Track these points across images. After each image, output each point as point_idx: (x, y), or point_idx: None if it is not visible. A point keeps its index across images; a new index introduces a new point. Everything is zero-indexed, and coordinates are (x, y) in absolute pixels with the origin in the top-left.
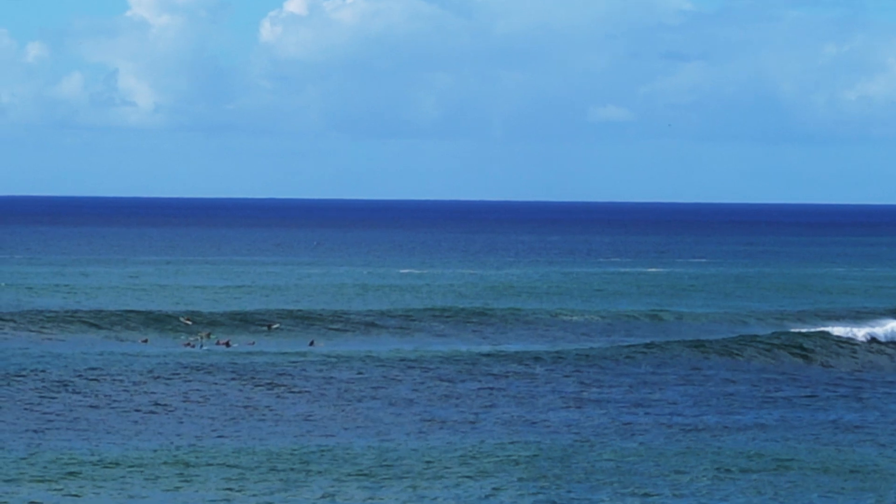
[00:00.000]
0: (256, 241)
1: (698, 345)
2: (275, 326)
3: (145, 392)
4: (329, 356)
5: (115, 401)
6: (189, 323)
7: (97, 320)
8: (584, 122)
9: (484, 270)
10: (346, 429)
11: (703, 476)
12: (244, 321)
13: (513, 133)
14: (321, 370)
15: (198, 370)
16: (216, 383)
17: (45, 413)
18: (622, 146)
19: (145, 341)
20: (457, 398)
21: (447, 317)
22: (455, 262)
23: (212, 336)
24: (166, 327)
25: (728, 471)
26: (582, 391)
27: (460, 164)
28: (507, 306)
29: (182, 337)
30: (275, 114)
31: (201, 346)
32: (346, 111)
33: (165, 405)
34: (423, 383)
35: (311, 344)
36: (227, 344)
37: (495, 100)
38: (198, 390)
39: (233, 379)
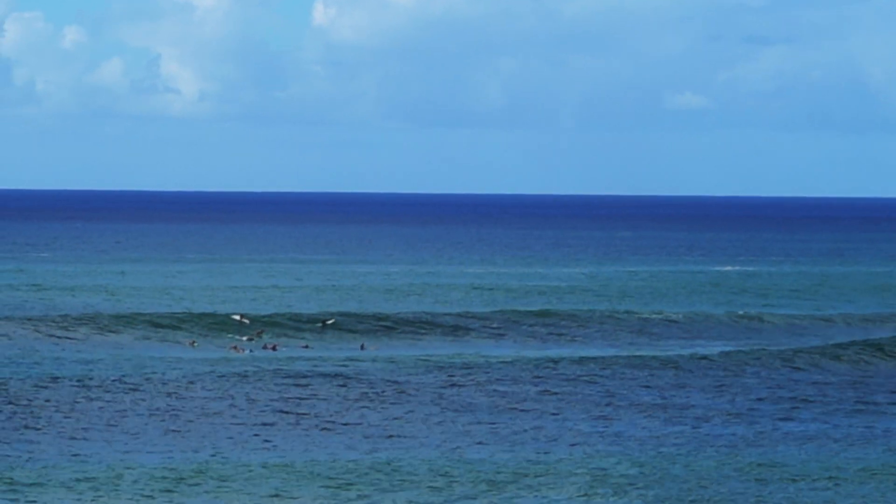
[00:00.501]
0: (306, 238)
1: (781, 352)
2: (329, 322)
3: (192, 397)
4: (385, 360)
5: (160, 408)
6: (245, 322)
7: (141, 323)
8: (658, 111)
9: (549, 269)
10: (407, 437)
11: (821, 487)
12: (296, 321)
13: (582, 122)
14: (377, 375)
15: (246, 377)
16: (268, 389)
17: (85, 418)
18: (699, 136)
19: (193, 343)
20: (523, 405)
21: (508, 318)
22: (518, 261)
23: (263, 335)
24: (215, 329)
25: (845, 481)
26: (660, 399)
27: (526, 155)
28: (572, 307)
29: (230, 338)
30: (328, 102)
31: (250, 350)
32: (404, 99)
33: (218, 413)
34: (486, 389)
35: (363, 348)
36: (274, 348)
37: (564, 86)
38: (250, 397)
39: (292, 384)
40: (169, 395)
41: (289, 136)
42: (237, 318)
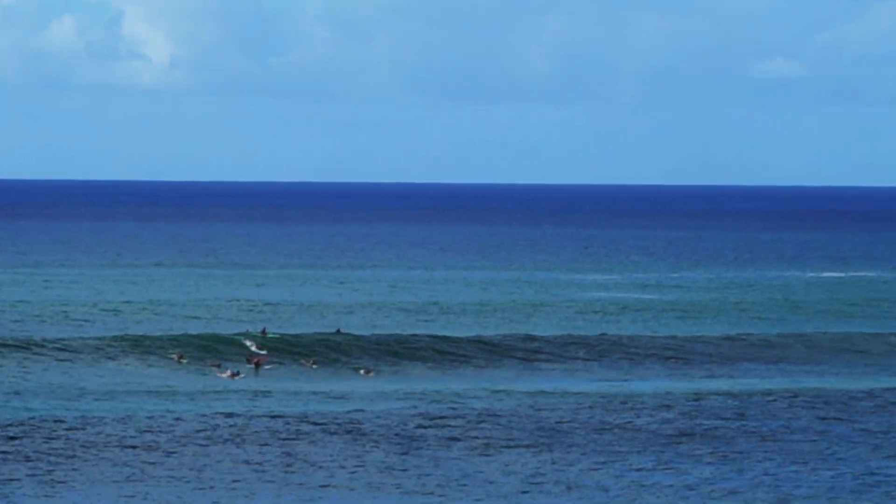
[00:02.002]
0: (305, 240)
1: None
2: (369, 373)
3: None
4: (490, 391)
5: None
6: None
7: (90, 346)
8: (741, 81)
9: (627, 277)
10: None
11: None
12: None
13: (647, 96)
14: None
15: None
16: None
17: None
18: (792, 111)
19: (181, 358)
20: (673, 450)
21: (607, 346)
22: (603, 267)
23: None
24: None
25: None
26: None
27: (578, 136)
28: (692, 333)
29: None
30: (334, 71)
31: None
32: (428, 68)
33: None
34: (616, 429)
35: (366, 373)
36: (258, 364)
37: (625, 52)
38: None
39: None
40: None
41: (284, 113)
42: (251, 344)
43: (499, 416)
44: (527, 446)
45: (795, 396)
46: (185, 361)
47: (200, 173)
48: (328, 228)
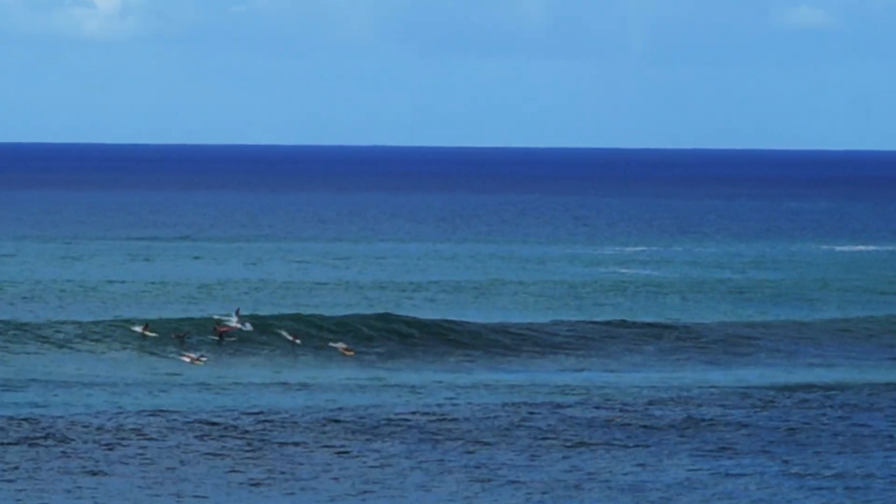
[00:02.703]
0: (273, 210)
1: None
2: (347, 352)
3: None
4: (488, 386)
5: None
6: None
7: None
8: (765, 31)
9: (640, 252)
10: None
11: None
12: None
13: (658, 50)
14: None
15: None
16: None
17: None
18: (822, 65)
19: (146, 329)
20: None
21: (643, 332)
22: (627, 238)
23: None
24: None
25: None
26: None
27: (581, 94)
28: (735, 319)
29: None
30: (304, 20)
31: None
32: (411, 17)
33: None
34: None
35: (345, 351)
36: (221, 335)
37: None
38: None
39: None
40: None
41: (247, 68)
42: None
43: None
44: (624, 446)
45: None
46: (151, 334)
47: (153, 135)
48: (297, 197)
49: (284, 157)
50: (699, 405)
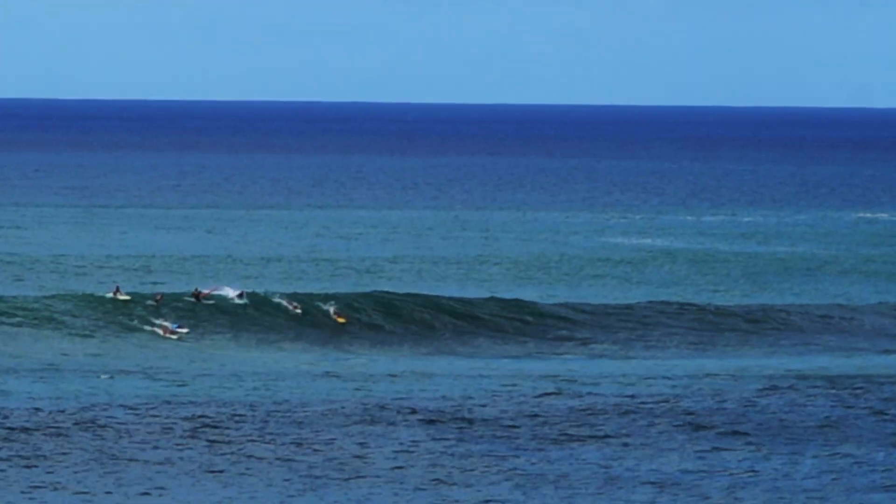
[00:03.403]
0: (245, 172)
1: None
2: (340, 318)
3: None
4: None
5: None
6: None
7: None
8: None
9: (662, 221)
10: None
11: None
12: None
13: None
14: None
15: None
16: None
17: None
18: (851, 14)
19: (159, 299)
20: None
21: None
22: (643, 205)
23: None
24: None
25: None
26: None
27: (588, 46)
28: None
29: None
30: None
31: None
32: None
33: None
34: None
35: (336, 316)
36: (158, 300)
37: None
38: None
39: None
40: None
41: (205, 17)
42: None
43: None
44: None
45: None
46: (123, 297)
47: (102, 89)
48: (275, 159)
49: (257, 114)
50: (762, 395)
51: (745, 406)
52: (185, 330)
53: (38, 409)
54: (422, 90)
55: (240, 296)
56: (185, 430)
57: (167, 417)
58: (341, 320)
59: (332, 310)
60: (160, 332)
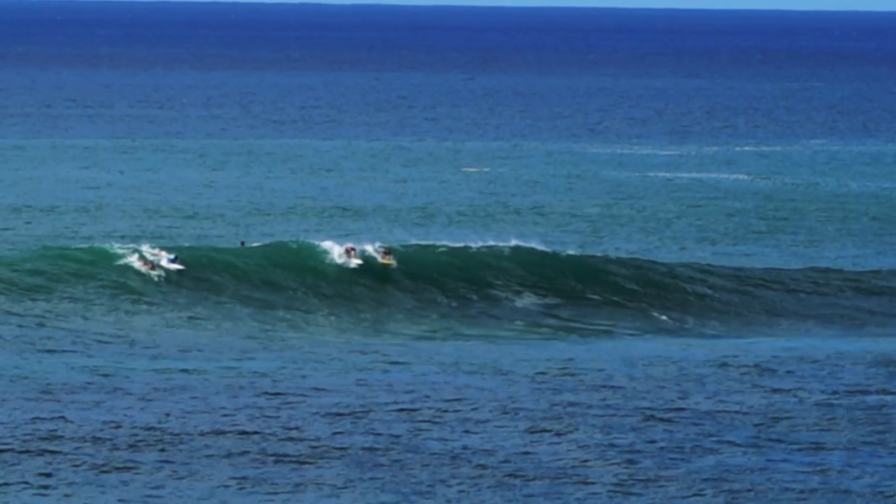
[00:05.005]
0: (231, 92)
1: None
2: (387, 258)
3: None
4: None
5: None
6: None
7: None
8: None
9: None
10: None
11: None
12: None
13: None
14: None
15: None
16: None
17: None
18: None
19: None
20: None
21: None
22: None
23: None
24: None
25: None
26: None
27: None
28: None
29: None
30: None
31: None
32: None
33: None
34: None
35: (385, 258)
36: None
37: None
38: None
39: None
40: None
41: None
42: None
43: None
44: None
45: None
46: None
47: None
48: (266, 77)
49: (254, 19)
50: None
51: None
52: (176, 266)
53: None
54: None
55: (173, 260)
56: None
57: None
58: (389, 262)
59: (379, 250)
60: (139, 265)
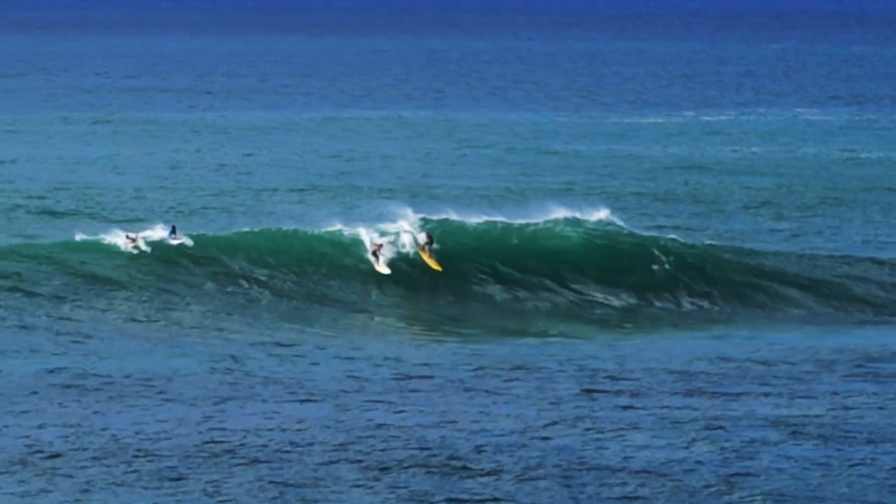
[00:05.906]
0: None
1: None
2: (431, 246)
3: None
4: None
5: None
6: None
7: None
8: None
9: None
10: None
11: None
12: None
13: None
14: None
15: None
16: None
17: None
18: None
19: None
20: None
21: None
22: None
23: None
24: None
25: None
26: None
27: None
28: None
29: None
30: None
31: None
32: None
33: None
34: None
35: (174, 233)
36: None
37: None
38: None
39: None
40: None
41: None
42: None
43: None
44: None
45: None
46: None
47: None
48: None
49: None
50: None
51: None
52: (180, 240)
53: None
54: None
55: (172, 233)
56: None
57: None
58: (434, 264)
59: (423, 240)
60: (120, 242)
